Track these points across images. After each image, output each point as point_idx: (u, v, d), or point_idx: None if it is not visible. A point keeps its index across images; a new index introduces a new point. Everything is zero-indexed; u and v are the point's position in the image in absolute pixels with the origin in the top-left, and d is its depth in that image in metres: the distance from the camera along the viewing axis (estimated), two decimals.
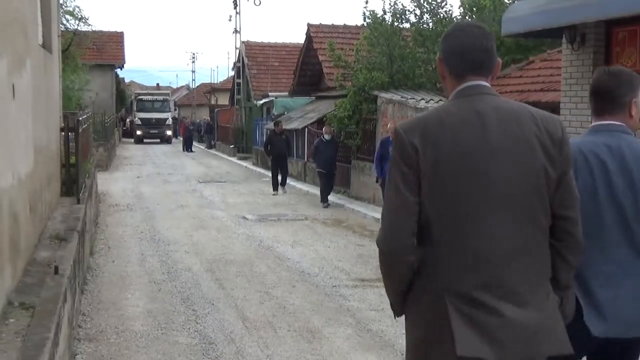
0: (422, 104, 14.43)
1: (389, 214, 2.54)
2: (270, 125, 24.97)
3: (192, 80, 73.05)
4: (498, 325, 2.41)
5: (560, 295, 2.64)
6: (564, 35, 9.91)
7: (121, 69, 44.13)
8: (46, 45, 8.45)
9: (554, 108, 11.05)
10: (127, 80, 63.92)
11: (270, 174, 18.96)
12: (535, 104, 12.32)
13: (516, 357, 2.44)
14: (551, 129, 2.54)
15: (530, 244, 2.50)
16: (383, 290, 8.07)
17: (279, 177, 18.03)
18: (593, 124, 3.14)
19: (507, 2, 17.23)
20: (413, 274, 2.54)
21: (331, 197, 16.25)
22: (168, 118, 48.84)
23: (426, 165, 2.47)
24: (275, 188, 18.02)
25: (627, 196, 2.97)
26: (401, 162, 2.52)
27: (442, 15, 17.37)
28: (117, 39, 41.47)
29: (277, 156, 17.95)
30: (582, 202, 2.70)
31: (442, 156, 2.47)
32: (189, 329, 6.55)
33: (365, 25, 18.10)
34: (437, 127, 2.51)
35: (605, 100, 3.10)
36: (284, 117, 23.54)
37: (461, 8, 17.68)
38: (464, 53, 2.60)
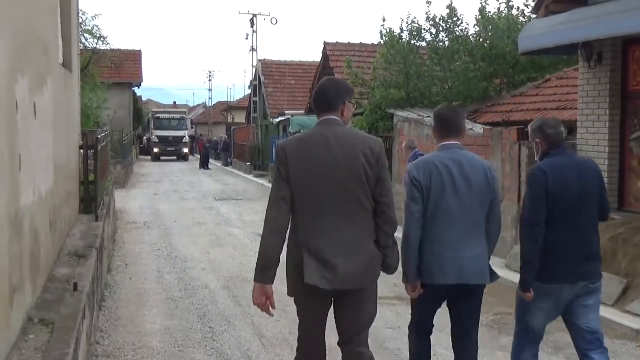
0: None
1: (274, 204, 3.90)
2: None
3: (209, 98, 73.41)
4: (330, 267, 3.83)
5: (383, 252, 3.98)
6: (580, 53, 9.92)
7: (139, 88, 44.57)
8: (66, 64, 8.56)
9: (571, 127, 11.02)
10: (144, 99, 64.40)
11: None
12: None
13: (340, 286, 3.86)
14: (372, 147, 3.92)
15: (356, 219, 3.89)
16: (400, 309, 8.03)
17: None
18: (440, 144, 4.49)
19: (523, 20, 17.25)
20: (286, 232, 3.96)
21: None
22: (185, 136, 49.14)
23: (292, 169, 3.88)
24: None
25: (465, 192, 4.31)
26: (279, 167, 3.94)
27: (457, 33, 17.39)
28: (135, 57, 41.86)
29: None
30: (436, 196, 4.28)
31: (301, 163, 3.88)
32: (206, 346, 6.57)
33: (383, 43, 18.15)
34: (300, 144, 3.97)
35: (450, 128, 4.49)
36: None
37: (476, 27, 17.69)
38: (321, 98, 4.06)
